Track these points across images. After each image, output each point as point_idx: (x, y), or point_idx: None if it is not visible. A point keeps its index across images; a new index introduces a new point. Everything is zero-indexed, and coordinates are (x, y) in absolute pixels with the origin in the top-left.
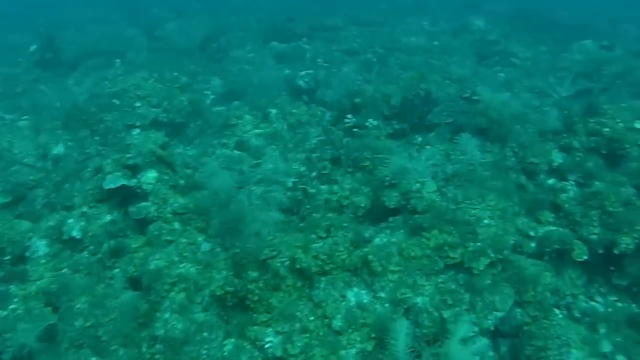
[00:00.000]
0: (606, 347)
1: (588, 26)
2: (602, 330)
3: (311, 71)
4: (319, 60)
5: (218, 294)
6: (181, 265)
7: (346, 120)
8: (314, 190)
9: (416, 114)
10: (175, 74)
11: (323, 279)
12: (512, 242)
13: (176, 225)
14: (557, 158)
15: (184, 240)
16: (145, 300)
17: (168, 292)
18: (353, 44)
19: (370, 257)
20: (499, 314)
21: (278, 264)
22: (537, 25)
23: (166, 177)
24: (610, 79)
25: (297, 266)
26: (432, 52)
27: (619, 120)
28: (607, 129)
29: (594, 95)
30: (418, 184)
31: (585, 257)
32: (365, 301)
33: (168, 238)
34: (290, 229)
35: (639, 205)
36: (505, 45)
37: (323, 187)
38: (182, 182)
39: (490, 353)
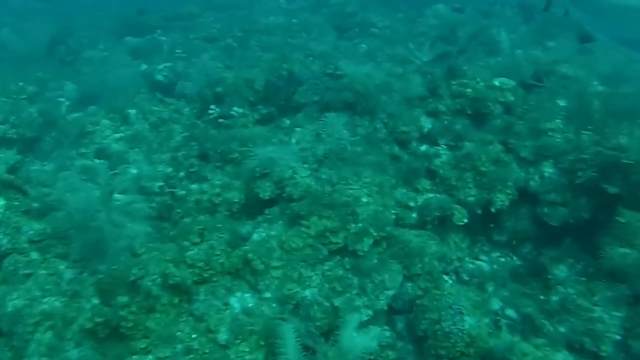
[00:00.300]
0: (495, 304)
1: None
2: (490, 289)
3: (169, 64)
4: (177, 51)
5: (88, 327)
6: (44, 300)
7: (210, 112)
8: (183, 192)
9: (282, 96)
10: (21, 83)
11: (202, 289)
12: (393, 216)
13: (34, 255)
14: (427, 124)
15: (44, 271)
16: (8, 348)
17: (32, 334)
18: (211, 30)
19: (250, 255)
20: (391, 292)
21: (149, 283)
22: None
23: (16, 203)
24: (465, 40)
25: (170, 282)
26: (292, 30)
27: (479, 80)
28: (469, 90)
29: (452, 58)
30: (291, 170)
31: (466, 220)
32: (250, 305)
33: (26, 271)
34: (163, 238)
35: (508, 161)
36: (363, 15)
37: (193, 186)
38: (35, 205)
39: (388, 333)
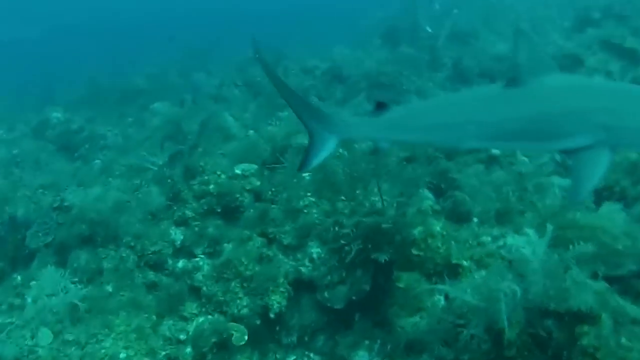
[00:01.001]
0: None
1: (164, 85)
2: None
3: None
4: None
5: None
6: None
7: None
8: None
9: (9, 247)
10: None
11: None
12: None
13: None
14: (178, 236)
15: None
16: None
17: None
18: None
19: None
20: None
21: None
22: (117, 99)
23: None
24: (196, 133)
25: None
26: (15, 163)
27: (219, 173)
28: (212, 186)
29: (186, 156)
30: (28, 342)
31: (246, 337)
32: None
33: None
34: None
35: (272, 255)
36: (91, 129)
37: None
38: None
39: None
